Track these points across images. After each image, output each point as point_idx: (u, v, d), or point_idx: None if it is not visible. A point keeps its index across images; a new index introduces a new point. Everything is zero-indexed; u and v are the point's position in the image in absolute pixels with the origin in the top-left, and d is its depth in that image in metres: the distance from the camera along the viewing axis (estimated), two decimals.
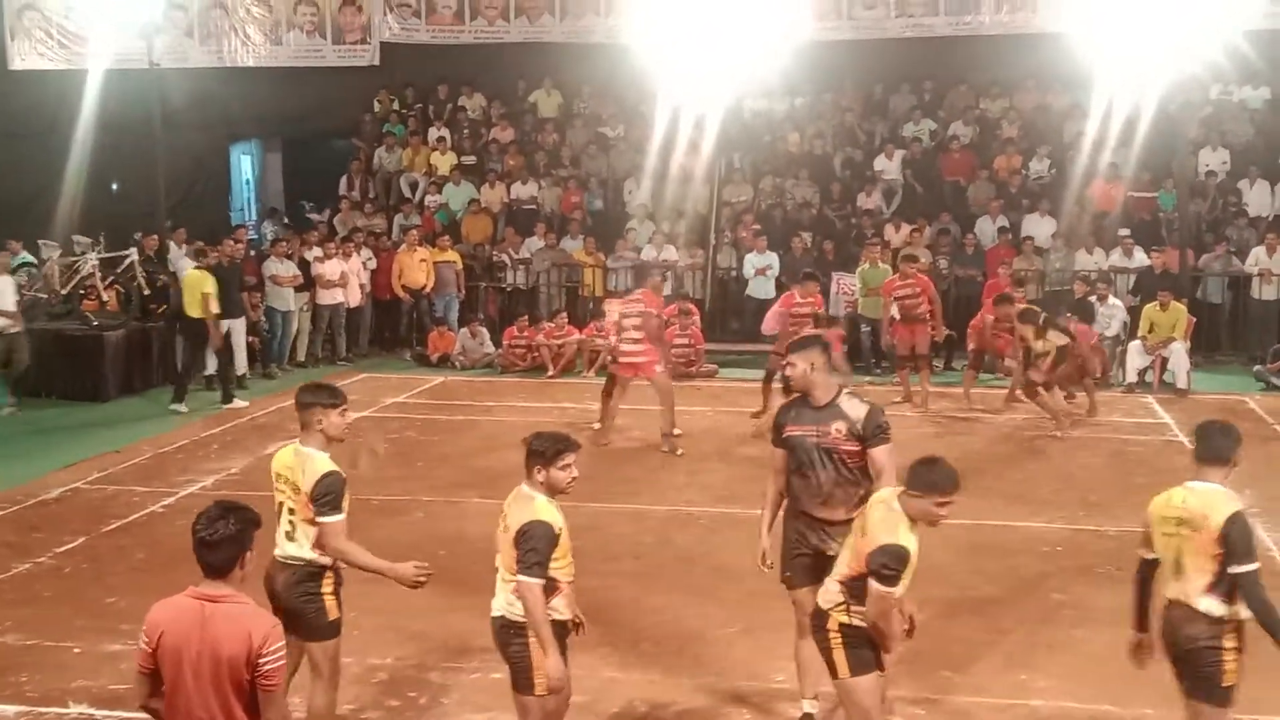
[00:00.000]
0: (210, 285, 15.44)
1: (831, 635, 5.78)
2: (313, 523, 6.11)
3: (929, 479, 5.60)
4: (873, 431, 6.41)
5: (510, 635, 5.73)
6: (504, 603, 5.73)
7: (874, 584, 5.53)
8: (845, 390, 6.64)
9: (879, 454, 6.39)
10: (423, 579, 6.31)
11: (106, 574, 9.49)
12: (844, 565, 5.80)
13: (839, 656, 5.78)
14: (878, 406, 6.61)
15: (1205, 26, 16.68)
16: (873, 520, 5.66)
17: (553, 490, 5.75)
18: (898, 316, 15.67)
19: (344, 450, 6.74)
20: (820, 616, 5.85)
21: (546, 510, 5.67)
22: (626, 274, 19.78)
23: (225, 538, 4.56)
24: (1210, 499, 5.66)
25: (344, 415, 6.34)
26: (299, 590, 6.11)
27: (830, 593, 5.82)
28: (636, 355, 13.25)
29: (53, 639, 8.19)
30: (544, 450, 5.74)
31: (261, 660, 4.48)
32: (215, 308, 15.43)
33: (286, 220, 22.67)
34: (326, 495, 6.10)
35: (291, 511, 6.19)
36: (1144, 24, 16.88)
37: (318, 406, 6.27)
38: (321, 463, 6.18)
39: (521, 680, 5.74)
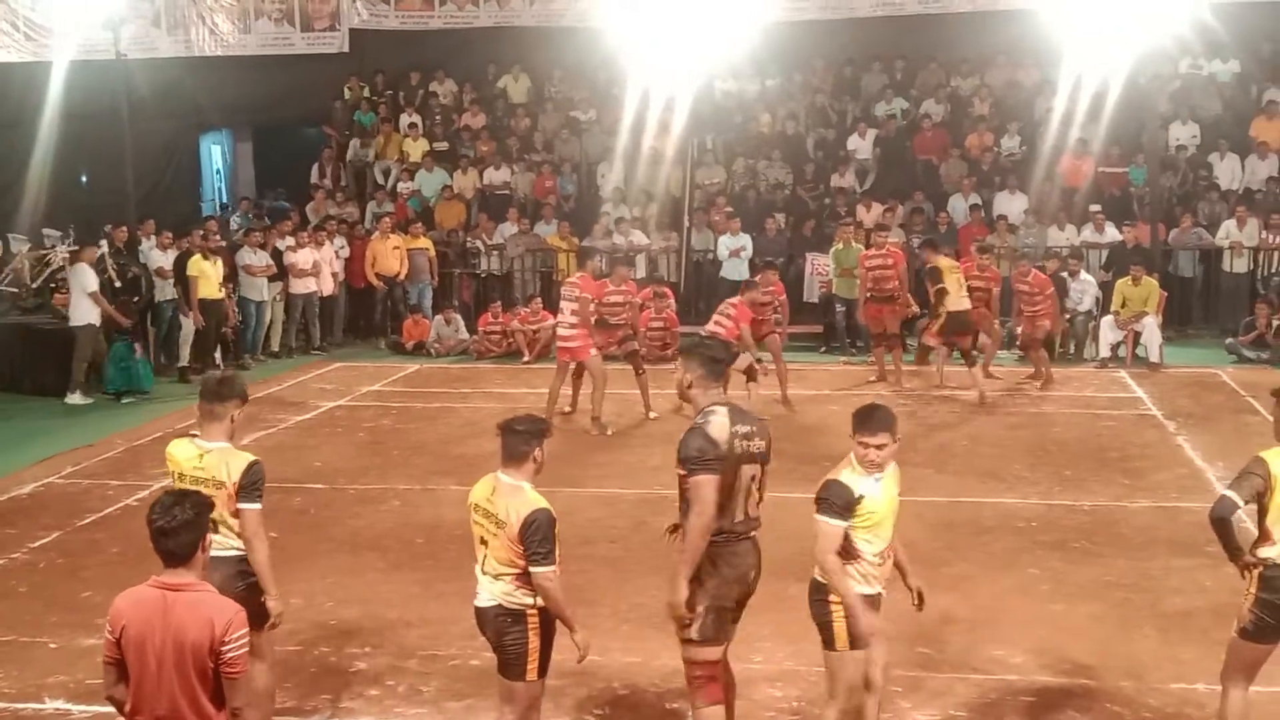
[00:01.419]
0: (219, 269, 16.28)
1: (833, 606, 5.84)
2: (237, 514, 6.16)
3: (856, 419, 5.87)
4: (683, 457, 5.78)
5: (508, 623, 5.71)
6: (499, 592, 5.69)
7: (815, 516, 5.78)
8: (718, 406, 5.91)
9: (692, 482, 5.73)
10: (277, 622, 6.34)
11: (81, 568, 9.44)
12: None
13: (840, 628, 5.85)
14: (699, 430, 5.79)
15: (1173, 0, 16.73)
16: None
17: (538, 472, 5.77)
18: (869, 292, 15.52)
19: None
20: (819, 589, 5.90)
21: (539, 498, 5.69)
22: (601, 258, 19.73)
23: (183, 523, 4.57)
24: None
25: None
26: (238, 583, 6.11)
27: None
28: (570, 340, 13.36)
29: (28, 634, 8.14)
30: (541, 430, 5.80)
31: (224, 647, 4.49)
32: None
33: (258, 210, 22.56)
34: (255, 483, 6.20)
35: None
36: None
37: (233, 400, 6.34)
38: (240, 456, 6.28)
39: (515, 668, 5.75)
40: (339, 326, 19.53)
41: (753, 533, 5.95)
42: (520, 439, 5.74)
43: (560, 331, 13.66)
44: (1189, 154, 20.26)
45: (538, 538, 5.56)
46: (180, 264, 16.85)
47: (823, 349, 18.08)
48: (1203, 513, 6.14)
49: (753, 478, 5.88)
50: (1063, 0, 17.93)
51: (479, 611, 5.81)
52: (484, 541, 5.73)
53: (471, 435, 13.05)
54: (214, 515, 5.92)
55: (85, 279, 15.56)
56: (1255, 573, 5.93)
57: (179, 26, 22.52)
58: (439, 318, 18.86)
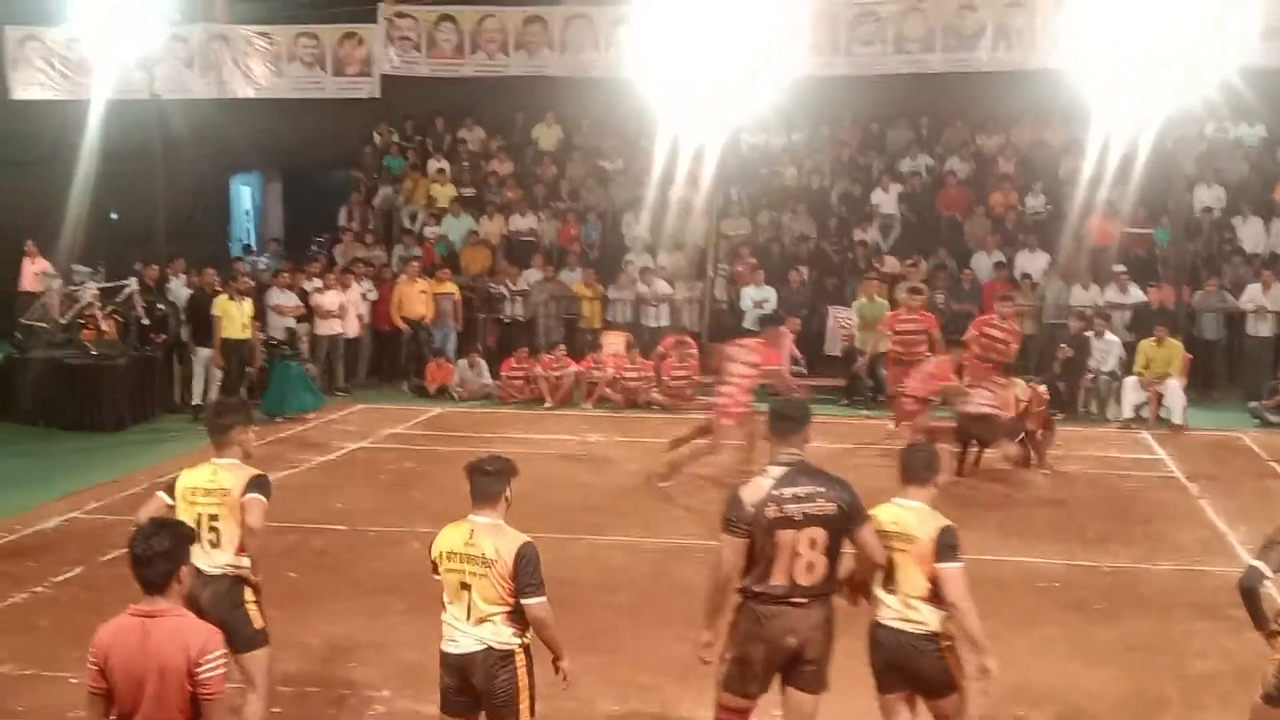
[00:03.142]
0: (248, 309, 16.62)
1: (945, 647, 5.96)
2: (240, 520, 6.41)
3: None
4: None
5: (499, 666, 5.72)
6: (488, 635, 5.71)
7: (950, 564, 5.93)
8: (774, 466, 5.97)
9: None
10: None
11: (103, 603, 9.39)
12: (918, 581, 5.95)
13: (954, 664, 5.99)
14: (733, 490, 5.98)
15: (1201, 64, 16.79)
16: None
17: (507, 510, 5.85)
18: (899, 355, 14.91)
19: None
20: (931, 638, 5.96)
21: (520, 533, 5.78)
22: (626, 307, 19.86)
23: (159, 553, 4.68)
24: None
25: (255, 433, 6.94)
26: (226, 601, 6.31)
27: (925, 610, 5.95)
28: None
29: (49, 669, 8.16)
30: (509, 469, 5.90)
31: (198, 670, 4.57)
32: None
33: (285, 251, 22.75)
34: (261, 485, 6.52)
35: (214, 519, 6.45)
36: (1140, 61, 16.98)
37: (235, 424, 6.69)
38: (249, 469, 6.61)
39: (508, 710, 5.76)
40: (363, 368, 19.62)
41: (796, 599, 5.81)
42: (492, 479, 5.82)
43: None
44: (1214, 217, 20.27)
45: (530, 569, 5.65)
46: (198, 303, 17.00)
47: (845, 401, 18.06)
48: (1225, 576, 6.16)
49: (811, 542, 5.78)
50: (1090, 62, 17.98)
51: (460, 659, 5.77)
52: (465, 586, 5.72)
53: None
54: (214, 527, 6.34)
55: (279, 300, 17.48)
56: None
57: (212, 68, 22.76)
58: (463, 362, 18.94)
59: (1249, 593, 5.90)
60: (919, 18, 20.88)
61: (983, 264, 19.97)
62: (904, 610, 5.95)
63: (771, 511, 5.75)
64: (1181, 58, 16.56)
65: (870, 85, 21.86)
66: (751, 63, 18.07)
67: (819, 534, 5.78)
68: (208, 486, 6.50)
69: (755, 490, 5.80)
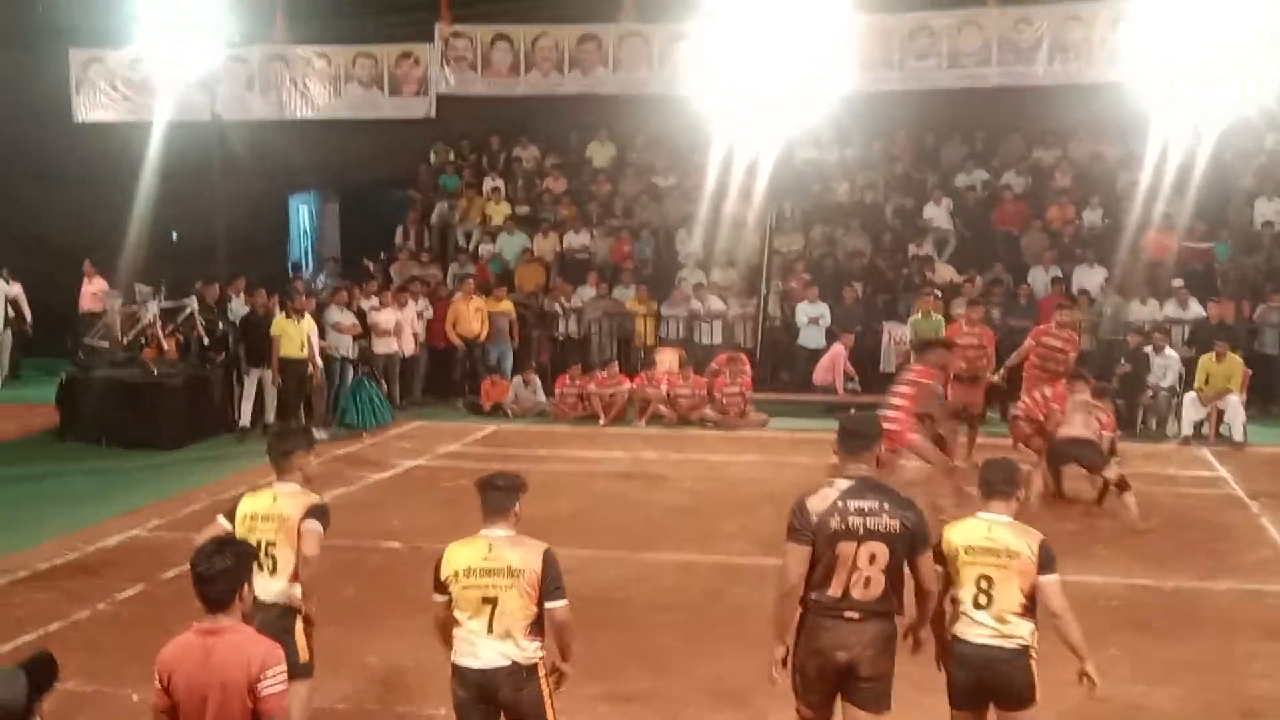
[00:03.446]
0: (308, 328, 16.67)
1: (1032, 659, 6.00)
2: (297, 548, 6.45)
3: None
4: None
5: (524, 678, 5.80)
6: (513, 650, 5.79)
7: (1052, 577, 6.05)
8: (841, 480, 5.99)
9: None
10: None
11: (164, 621, 9.51)
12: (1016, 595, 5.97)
13: (1035, 675, 6.02)
14: (798, 499, 5.98)
15: (1257, 76, 16.62)
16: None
17: (517, 524, 6.02)
18: (961, 373, 14.41)
19: None
20: (1023, 653, 5.98)
21: (537, 540, 5.96)
22: (679, 323, 19.88)
23: (221, 571, 4.78)
24: None
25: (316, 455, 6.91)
26: (276, 628, 6.29)
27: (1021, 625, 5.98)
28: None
29: (112, 685, 8.27)
30: (519, 485, 6.09)
31: (260, 684, 4.64)
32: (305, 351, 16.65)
33: (343, 269, 22.96)
34: (320, 513, 6.55)
35: (271, 545, 6.49)
36: (1197, 74, 16.84)
37: (297, 449, 6.71)
38: (309, 495, 6.65)
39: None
40: (419, 386, 19.73)
41: (850, 613, 5.82)
42: (503, 495, 6.00)
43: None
44: (1275, 230, 20.01)
45: (555, 573, 5.84)
46: (250, 322, 17.20)
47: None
48: None
49: (871, 557, 5.79)
50: (1147, 75, 17.84)
51: (483, 674, 5.80)
52: (488, 600, 5.79)
53: (547, 496, 13.03)
54: (274, 553, 6.39)
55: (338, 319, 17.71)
56: None
57: (271, 89, 23.02)
58: (517, 379, 19.02)
59: None
60: (974, 31, 20.78)
61: (1039, 279, 19.80)
62: (999, 626, 5.94)
63: (835, 522, 5.79)
64: (1238, 71, 16.41)
65: (925, 99, 21.78)
66: (805, 78, 18.05)
67: (880, 549, 5.79)
68: (267, 513, 6.54)
69: (821, 500, 5.86)
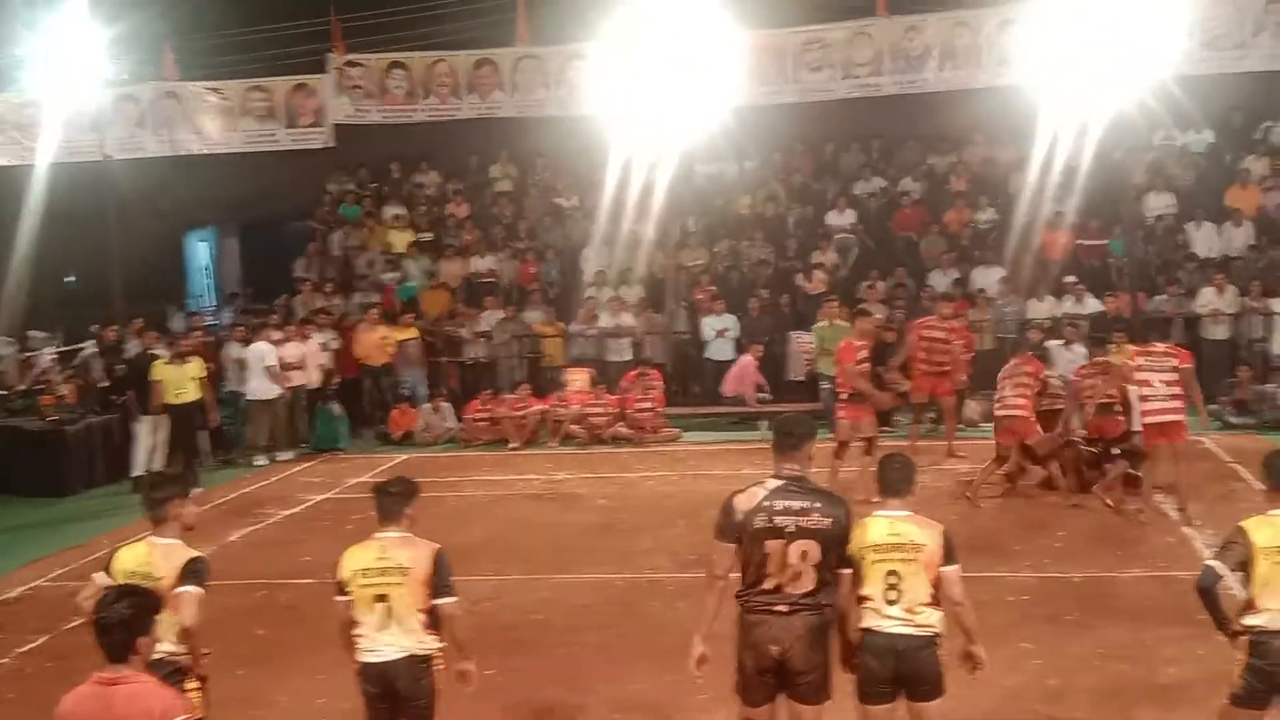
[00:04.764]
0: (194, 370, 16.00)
1: (939, 648, 6.08)
2: (176, 609, 6.01)
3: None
4: None
5: (422, 670, 6.16)
6: (411, 643, 6.15)
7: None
8: (772, 479, 6.12)
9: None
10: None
11: (71, 672, 9.17)
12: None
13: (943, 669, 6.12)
14: (726, 498, 6.13)
15: (1141, 73, 16.95)
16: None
17: (411, 527, 6.32)
18: (922, 364, 14.95)
19: None
20: (935, 639, 6.06)
21: (430, 541, 6.29)
22: (587, 343, 19.86)
23: (117, 621, 4.70)
24: None
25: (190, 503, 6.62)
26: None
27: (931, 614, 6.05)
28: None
29: None
30: (412, 490, 6.43)
31: None
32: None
33: (249, 304, 22.61)
34: (195, 573, 6.15)
35: None
36: (1081, 74, 17.16)
37: (170, 498, 6.38)
38: (185, 551, 6.27)
39: (429, 711, 6.20)
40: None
41: (779, 607, 5.93)
42: (396, 500, 6.36)
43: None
44: (1166, 223, 20.45)
45: (445, 571, 6.20)
46: (137, 366, 16.62)
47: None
48: (1194, 581, 6.17)
49: (802, 553, 5.90)
50: (1033, 78, 18.16)
51: (384, 667, 6.16)
52: (382, 598, 6.15)
53: (460, 523, 12.99)
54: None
55: (267, 356, 17.44)
56: (1243, 640, 5.96)
57: (164, 126, 22.61)
58: (427, 406, 18.87)
59: (1206, 593, 5.97)
60: (866, 41, 20.99)
61: (939, 281, 20.06)
62: (909, 617, 6.02)
63: (760, 521, 5.93)
64: (1122, 70, 16.72)
65: (821, 110, 21.97)
66: (698, 94, 18.15)
67: (811, 547, 5.92)
68: (144, 571, 6.15)
69: (749, 499, 6.00)
